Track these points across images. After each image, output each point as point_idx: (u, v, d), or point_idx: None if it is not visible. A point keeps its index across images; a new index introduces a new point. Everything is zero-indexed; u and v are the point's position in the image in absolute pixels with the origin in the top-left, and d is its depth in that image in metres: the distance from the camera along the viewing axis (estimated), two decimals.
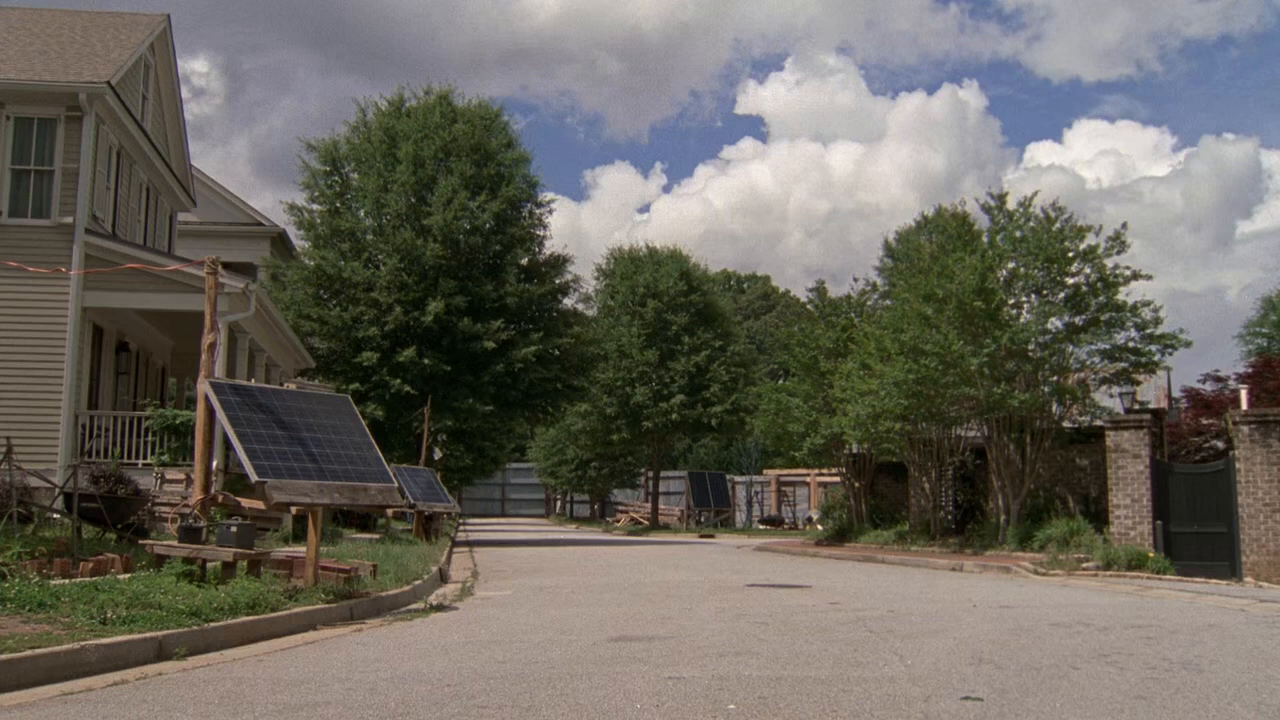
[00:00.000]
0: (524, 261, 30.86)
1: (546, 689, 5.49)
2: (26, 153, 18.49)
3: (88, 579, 8.69)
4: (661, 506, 47.03)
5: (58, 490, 13.29)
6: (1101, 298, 19.87)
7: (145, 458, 18.09)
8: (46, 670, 5.71)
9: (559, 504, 65.56)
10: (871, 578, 15.32)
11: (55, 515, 12.87)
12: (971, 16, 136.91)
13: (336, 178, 30.94)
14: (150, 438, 18.29)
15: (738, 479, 50.17)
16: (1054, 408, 20.53)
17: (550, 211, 32.52)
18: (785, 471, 45.36)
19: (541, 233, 31.98)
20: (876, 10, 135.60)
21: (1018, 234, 20.69)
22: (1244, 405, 19.11)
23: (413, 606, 10.18)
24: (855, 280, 48.51)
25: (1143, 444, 17.77)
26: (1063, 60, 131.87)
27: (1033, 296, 20.72)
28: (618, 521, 49.23)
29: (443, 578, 13.99)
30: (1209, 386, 26.90)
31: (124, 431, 18.50)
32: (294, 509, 13.08)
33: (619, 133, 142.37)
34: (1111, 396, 20.94)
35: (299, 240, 31.81)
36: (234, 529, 9.10)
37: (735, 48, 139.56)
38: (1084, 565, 16.47)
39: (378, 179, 29.63)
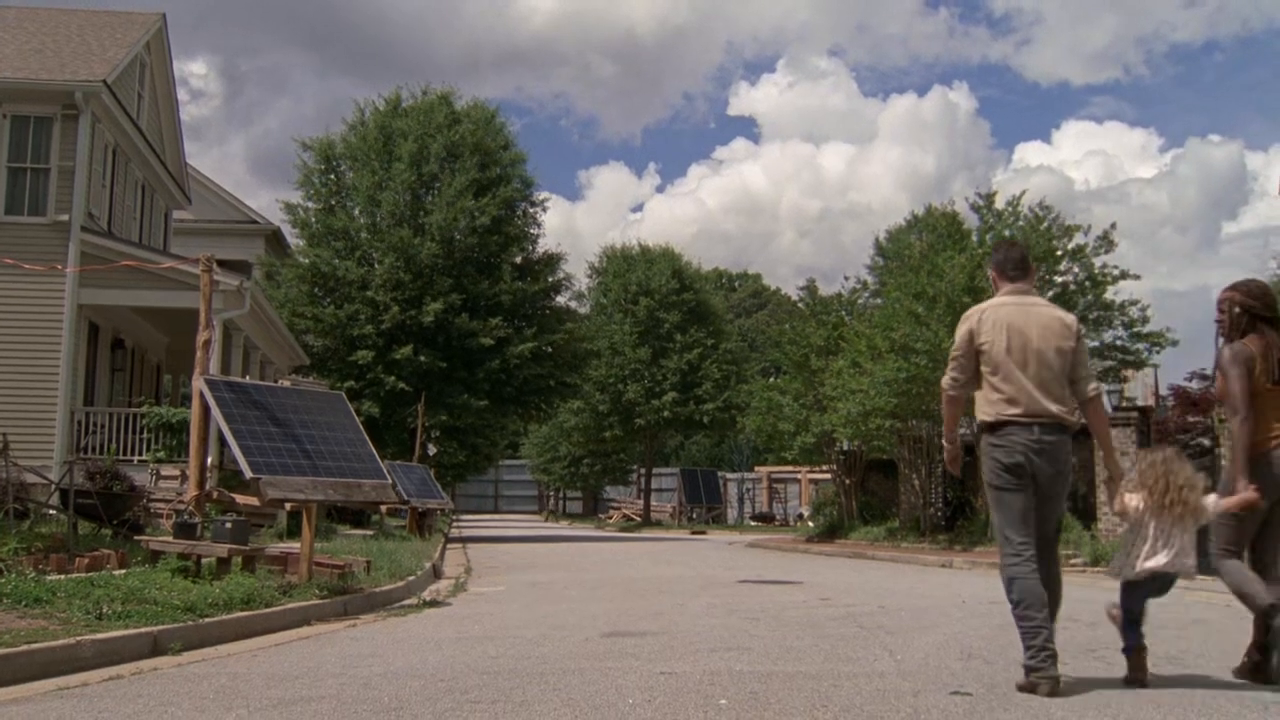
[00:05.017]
0: (518, 260, 30.92)
1: (539, 684, 5.54)
2: (23, 151, 18.51)
3: (83, 574, 8.73)
4: (654, 503, 47.11)
5: (54, 486, 13.34)
6: (1090, 296, 20.00)
7: (141, 454, 18.14)
8: (42, 665, 5.74)
9: (552, 500, 65.56)
10: (862, 574, 15.40)
11: (51, 511, 12.92)
12: (961, 21, 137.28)
13: (331, 175, 30.93)
14: (146, 434, 18.34)
15: (729, 476, 50.25)
16: None
17: (544, 210, 32.61)
18: (777, 468, 45.46)
19: (535, 231, 32.07)
20: (867, 14, 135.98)
21: (1006, 233, 20.81)
22: None
23: (406, 602, 10.21)
24: (846, 279, 48.58)
25: (1130, 441, 17.87)
26: (1051, 64, 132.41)
27: None
28: (610, 518, 49.28)
29: (436, 574, 14.04)
30: (1195, 384, 26.92)
31: (120, 428, 18.55)
32: (288, 505, 13.07)
33: (612, 135, 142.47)
34: None
35: (294, 238, 31.82)
36: (229, 525, 9.14)
37: (728, 50, 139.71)
38: (1072, 562, 16.57)
39: (372, 177, 29.62)
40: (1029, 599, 5.19)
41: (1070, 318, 5.55)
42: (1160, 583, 5.51)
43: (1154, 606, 5.59)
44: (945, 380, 5.68)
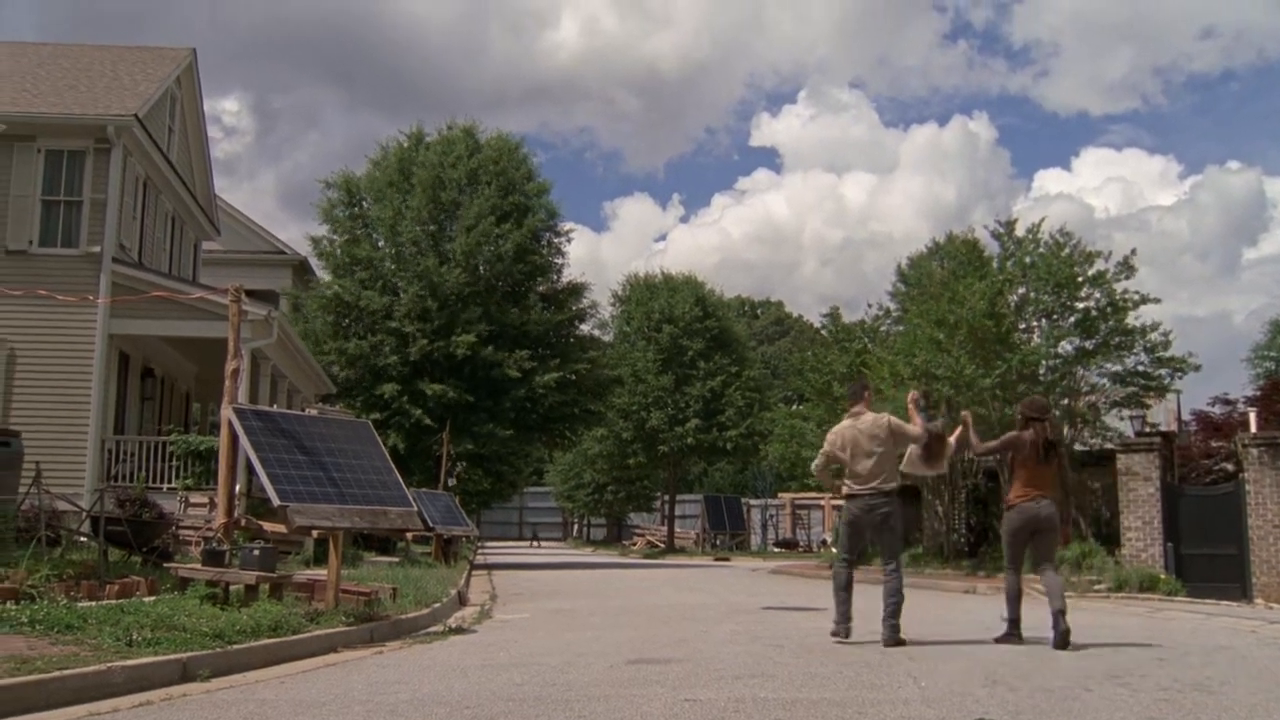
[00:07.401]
0: (542, 289, 31.10)
1: (564, 711, 5.59)
2: (56, 184, 18.84)
3: (114, 601, 8.82)
4: (677, 530, 46.96)
5: (85, 514, 13.49)
6: (1111, 322, 19.94)
7: (170, 482, 18.32)
8: (74, 691, 5.82)
9: (576, 527, 65.44)
10: None
11: (82, 538, 13.05)
12: (980, 53, 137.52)
13: (354, 209, 31.22)
14: (175, 462, 18.53)
15: (753, 502, 50.13)
16: (1065, 431, 20.56)
17: (569, 240, 32.81)
18: (800, 495, 45.34)
19: (560, 261, 32.25)
20: (887, 47, 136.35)
21: (1027, 260, 20.80)
22: (1253, 428, 19.02)
23: (432, 629, 10.27)
24: (869, 306, 48.58)
25: (1153, 466, 17.73)
26: (1070, 94, 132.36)
27: (1043, 321, 20.83)
28: (634, 545, 49.16)
29: (461, 601, 14.08)
30: (1218, 409, 26.62)
31: (149, 456, 18.76)
32: (315, 532, 13.18)
33: (636, 167, 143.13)
34: (1122, 419, 20.96)
35: (320, 270, 32.13)
36: (256, 552, 9.22)
37: (749, 84, 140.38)
38: (1096, 587, 16.45)
39: (393, 207, 29.88)
40: (839, 585, 8.95)
41: (883, 419, 8.69)
42: None
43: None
44: (813, 465, 9.49)
